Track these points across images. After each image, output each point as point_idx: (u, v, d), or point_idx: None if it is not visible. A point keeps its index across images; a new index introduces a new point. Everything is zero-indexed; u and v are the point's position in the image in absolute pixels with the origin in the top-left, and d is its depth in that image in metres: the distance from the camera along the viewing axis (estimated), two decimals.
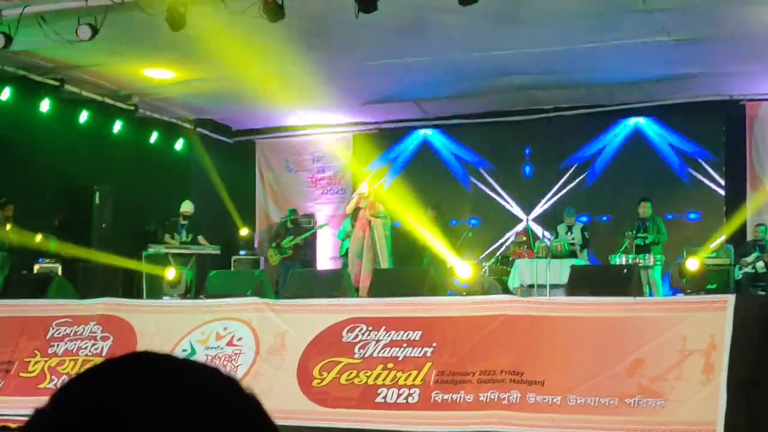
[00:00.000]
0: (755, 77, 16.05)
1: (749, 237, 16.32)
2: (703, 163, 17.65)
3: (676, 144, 17.82)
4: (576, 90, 16.79)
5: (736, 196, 17.23)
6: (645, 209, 15.86)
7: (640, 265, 14.31)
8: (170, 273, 12.55)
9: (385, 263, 14.74)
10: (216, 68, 15.26)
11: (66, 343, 11.49)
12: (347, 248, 15.71)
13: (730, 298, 9.43)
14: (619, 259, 15.22)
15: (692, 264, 10.65)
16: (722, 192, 17.52)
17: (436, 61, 14.84)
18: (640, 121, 18.04)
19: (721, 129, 17.54)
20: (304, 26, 12.85)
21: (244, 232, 19.04)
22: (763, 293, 14.46)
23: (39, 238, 15.51)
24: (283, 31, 12.23)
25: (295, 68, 15.22)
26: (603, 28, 13.32)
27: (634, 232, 15.63)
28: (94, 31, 12.23)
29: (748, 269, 15.33)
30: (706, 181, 17.61)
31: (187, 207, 17.38)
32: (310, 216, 19.52)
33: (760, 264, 15.22)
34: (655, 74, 15.77)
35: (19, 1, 12.03)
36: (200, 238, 17.25)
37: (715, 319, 9.23)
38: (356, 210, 15.27)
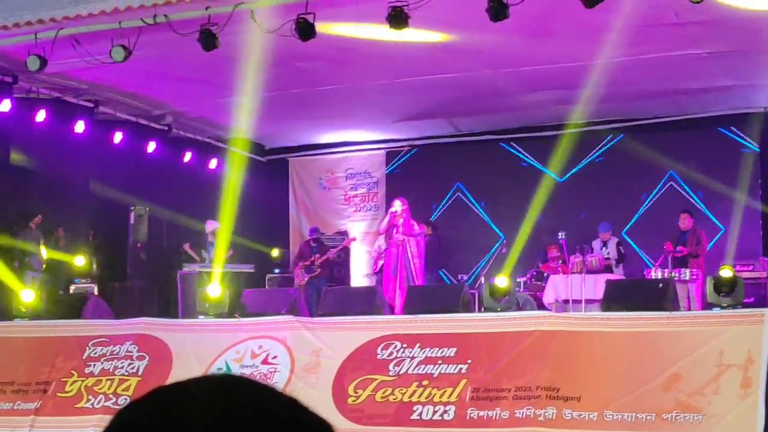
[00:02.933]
0: None
1: None
2: (735, 175, 17.48)
3: (710, 156, 17.68)
4: (605, 104, 16.72)
5: None
6: (685, 221, 15.75)
7: (677, 278, 14.24)
8: (213, 290, 12.56)
9: (419, 281, 14.75)
10: (248, 87, 15.33)
11: (102, 363, 11.54)
12: (382, 266, 15.71)
13: (767, 312, 9.35)
14: (655, 273, 15.13)
15: (726, 277, 10.53)
16: (759, 205, 17.36)
17: (468, 77, 14.84)
18: (675, 134, 17.93)
19: (755, 140, 17.40)
20: (334, 46, 12.89)
21: (275, 253, 19.02)
22: None
23: (78, 259, 15.72)
24: (315, 50, 12.26)
25: (328, 87, 15.29)
26: (635, 41, 13.29)
27: (674, 244, 15.53)
28: (128, 52, 12.32)
29: None
30: (741, 193, 17.45)
31: (212, 226, 17.45)
32: (343, 233, 19.52)
33: None
34: (689, 86, 15.68)
35: (53, 23, 12.14)
36: (228, 256, 17.30)
37: (751, 333, 9.16)
38: (392, 227, 15.28)
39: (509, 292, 11.51)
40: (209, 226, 17.40)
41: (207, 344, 11.41)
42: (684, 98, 16.40)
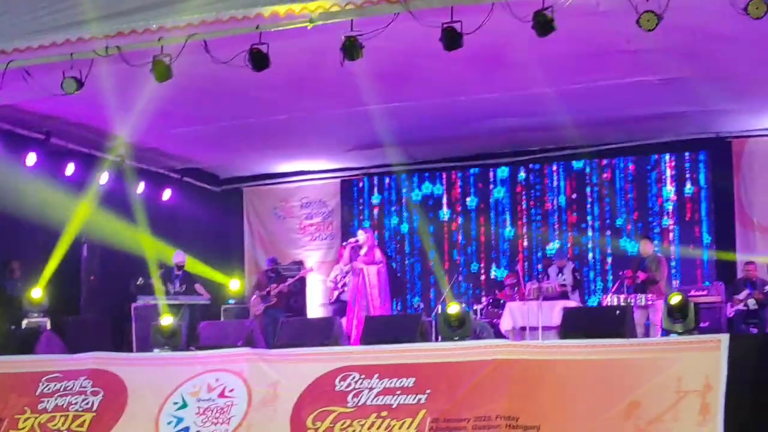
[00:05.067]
0: (741, 115, 16.11)
1: (740, 274, 16.34)
2: (692, 201, 17.68)
3: (663, 181, 17.85)
4: (562, 131, 16.81)
5: (725, 234, 17.24)
6: (645, 246, 15.83)
7: (635, 304, 14.32)
8: (166, 320, 12.46)
9: (377, 311, 14.72)
10: (202, 117, 15.28)
11: (56, 399, 11.35)
12: (338, 295, 15.67)
13: (724, 338, 9.38)
14: (611, 299, 15.20)
15: (675, 303, 10.61)
16: (711, 229, 17.52)
17: (422, 106, 14.86)
18: (628, 160, 18.09)
19: (709, 167, 17.57)
20: (288, 75, 12.86)
21: (235, 284, 18.86)
22: (756, 330, 14.44)
23: (35, 291, 15.53)
24: (269, 80, 12.22)
25: (281, 116, 15.25)
26: (588, 69, 13.38)
27: (634, 270, 15.62)
28: (79, 84, 12.20)
29: (740, 306, 15.32)
30: (695, 219, 17.62)
31: (179, 258, 17.33)
32: (299, 263, 19.45)
33: (752, 301, 15.21)
34: (641, 113, 15.79)
35: (3, 55, 12.00)
36: (198, 287, 17.17)
37: (709, 359, 9.18)
38: (353, 256, 15.26)
39: (463, 319, 11.48)
40: (176, 257, 17.28)
41: (163, 378, 11.26)
42: (635, 125, 16.51)
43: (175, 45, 11.52)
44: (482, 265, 18.92)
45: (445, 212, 19.31)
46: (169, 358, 11.82)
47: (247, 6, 10.91)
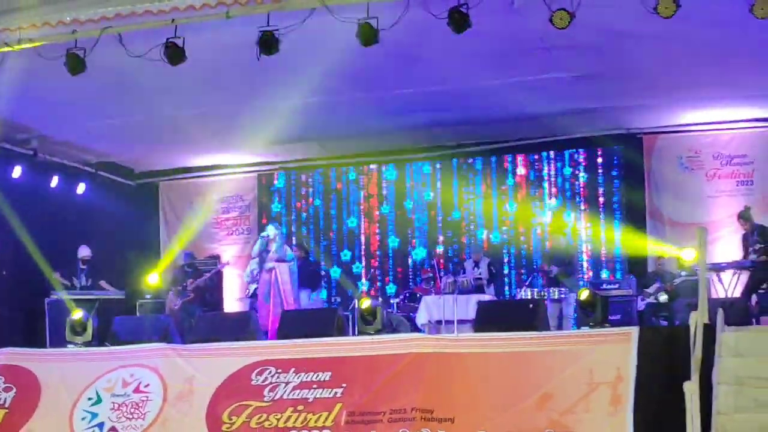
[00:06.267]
0: (651, 110, 16.37)
1: (650, 268, 16.65)
2: (603, 195, 17.93)
3: (575, 177, 18.09)
4: (478, 126, 16.96)
5: (635, 228, 17.51)
6: (557, 240, 16.04)
7: (547, 298, 14.52)
8: (76, 314, 12.35)
9: (290, 305, 14.73)
10: (117, 110, 15.14)
11: None
12: (255, 290, 15.63)
13: (634, 330, 9.58)
14: (525, 293, 15.38)
15: (584, 299, 10.84)
16: (622, 223, 17.79)
17: (339, 101, 14.88)
18: (541, 155, 18.30)
19: (620, 162, 17.83)
20: (205, 68, 12.81)
21: (153, 278, 18.69)
22: (666, 323, 14.71)
23: None
24: (185, 74, 12.16)
25: (197, 110, 15.17)
26: (503, 65, 13.52)
27: (548, 264, 15.84)
28: None
29: (651, 299, 15.60)
30: (606, 213, 17.88)
31: (84, 252, 17.14)
32: (215, 257, 19.35)
33: (662, 294, 15.49)
34: (555, 109, 15.97)
35: None
36: (102, 283, 16.98)
37: (620, 351, 9.37)
38: (264, 252, 15.22)
39: (375, 313, 11.58)
40: (81, 251, 17.10)
41: (77, 374, 11.19)
42: (550, 120, 16.68)
43: (90, 38, 11.44)
44: (398, 258, 18.99)
45: (363, 206, 19.33)
46: (84, 353, 11.73)
47: None
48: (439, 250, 18.69)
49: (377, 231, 19.18)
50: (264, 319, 14.45)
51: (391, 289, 18.69)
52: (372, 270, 18.74)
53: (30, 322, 16.28)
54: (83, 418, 10.71)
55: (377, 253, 19.11)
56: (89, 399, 10.83)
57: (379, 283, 18.86)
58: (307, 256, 17.72)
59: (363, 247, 19.20)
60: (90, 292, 16.68)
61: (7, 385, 11.25)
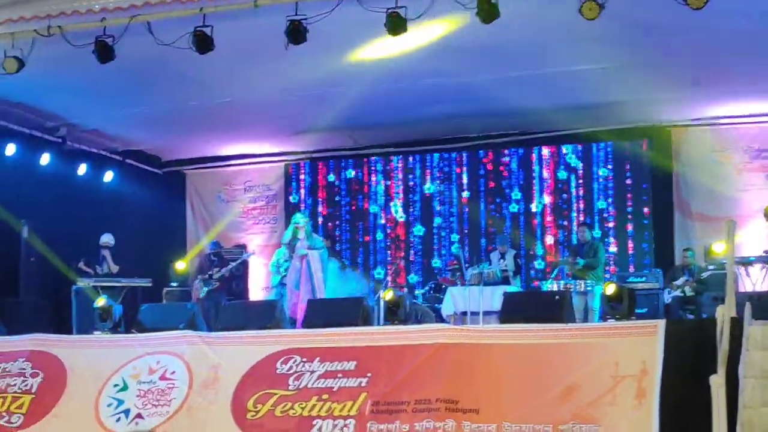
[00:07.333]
0: (680, 103, 16.30)
1: (677, 261, 16.58)
2: (631, 189, 17.87)
3: (603, 170, 18.03)
4: (503, 118, 16.92)
5: (663, 221, 17.45)
6: (583, 233, 16.00)
7: (573, 290, 14.48)
8: (101, 301, 12.43)
9: (322, 294, 14.72)
10: (145, 99, 15.19)
11: None
12: (280, 279, 15.62)
13: (660, 323, 9.52)
14: (551, 285, 15.35)
15: (610, 293, 10.79)
16: (650, 217, 17.73)
17: (366, 92, 14.86)
18: (569, 147, 18.25)
19: (649, 155, 17.76)
20: (234, 57, 12.83)
21: (180, 265, 18.77)
22: (692, 317, 14.65)
23: None
24: (214, 62, 12.19)
25: (225, 99, 15.21)
26: (530, 57, 13.48)
27: (568, 257, 15.80)
28: (21, 63, 12.11)
29: (677, 293, 15.54)
30: (633, 206, 17.82)
31: (107, 239, 17.23)
32: (242, 247, 19.41)
33: (689, 288, 15.44)
34: (582, 102, 15.91)
35: None
36: (112, 266, 17.10)
37: (646, 344, 9.31)
38: (293, 240, 15.20)
39: (399, 304, 11.57)
40: (103, 238, 17.19)
41: (103, 360, 11.22)
42: (577, 112, 16.59)
43: (119, 26, 11.48)
44: (423, 249, 19.00)
45: (387, 197, 19.34)
46: (110, 340, 11.78)
47: None
48: (465, 241, 18.68)
49: (403, 221, 19.19)
50: (294, 306, 14.47)
51: (416, 279, 18.70)
52: (398, 260, 18.73)
53: (57, 309, 16.39)
54: (109, 405, 10.75)
55: (403, 243, 19.12)
56: (115, 386, 10.86)
57: (404, 274, 18.86)
58: (333, 246, 17.75)
59: (388, 238, 19.21)
60: (117, 279, 16.78)
61: (34, 370, 11.30)
